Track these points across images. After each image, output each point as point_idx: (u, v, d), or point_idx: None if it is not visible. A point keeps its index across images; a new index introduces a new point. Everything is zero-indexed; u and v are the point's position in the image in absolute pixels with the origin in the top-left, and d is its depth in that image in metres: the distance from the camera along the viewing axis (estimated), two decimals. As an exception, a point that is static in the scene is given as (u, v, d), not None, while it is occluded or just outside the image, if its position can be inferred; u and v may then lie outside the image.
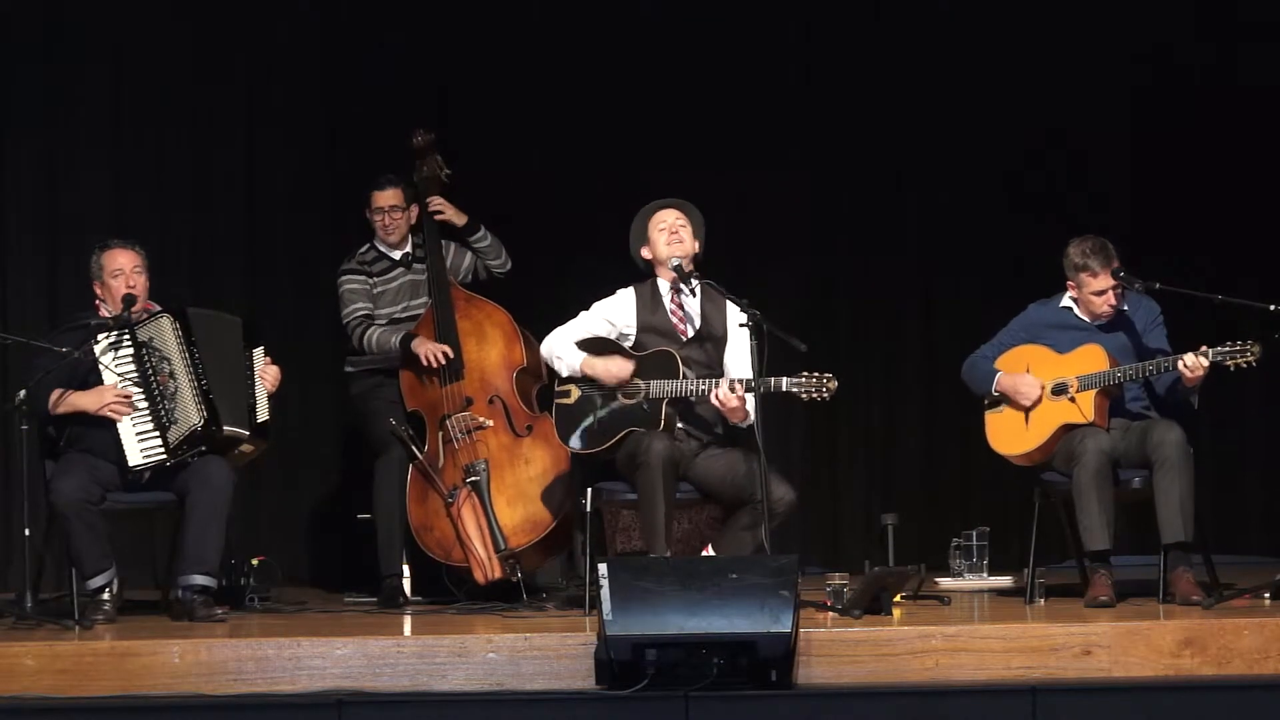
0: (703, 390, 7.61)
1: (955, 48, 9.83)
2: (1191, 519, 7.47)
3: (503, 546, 8.16)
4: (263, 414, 7.89)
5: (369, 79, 9.53)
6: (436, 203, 8.59)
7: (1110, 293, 7.69)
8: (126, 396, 7.65)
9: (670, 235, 7.78)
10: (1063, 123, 9.86)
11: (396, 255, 8.62)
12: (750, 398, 7.51)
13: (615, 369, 7.68)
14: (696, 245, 7.82)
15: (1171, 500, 7.45)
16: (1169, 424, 7.57)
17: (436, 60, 9.60)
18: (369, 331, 8.46)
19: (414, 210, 8.63)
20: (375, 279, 8.56)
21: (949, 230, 9.92)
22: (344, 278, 8.56)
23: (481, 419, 8.31)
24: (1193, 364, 7.43)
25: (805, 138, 9.88)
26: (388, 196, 8.59)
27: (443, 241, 8.62)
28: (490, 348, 8.42)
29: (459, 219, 8.60)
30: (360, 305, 8.51)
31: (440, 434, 8.34)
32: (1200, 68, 9.82)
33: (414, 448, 8.33)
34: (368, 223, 8.66)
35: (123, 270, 7.77)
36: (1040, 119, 9.86)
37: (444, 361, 8.33)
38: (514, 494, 8.24)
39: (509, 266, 8.70)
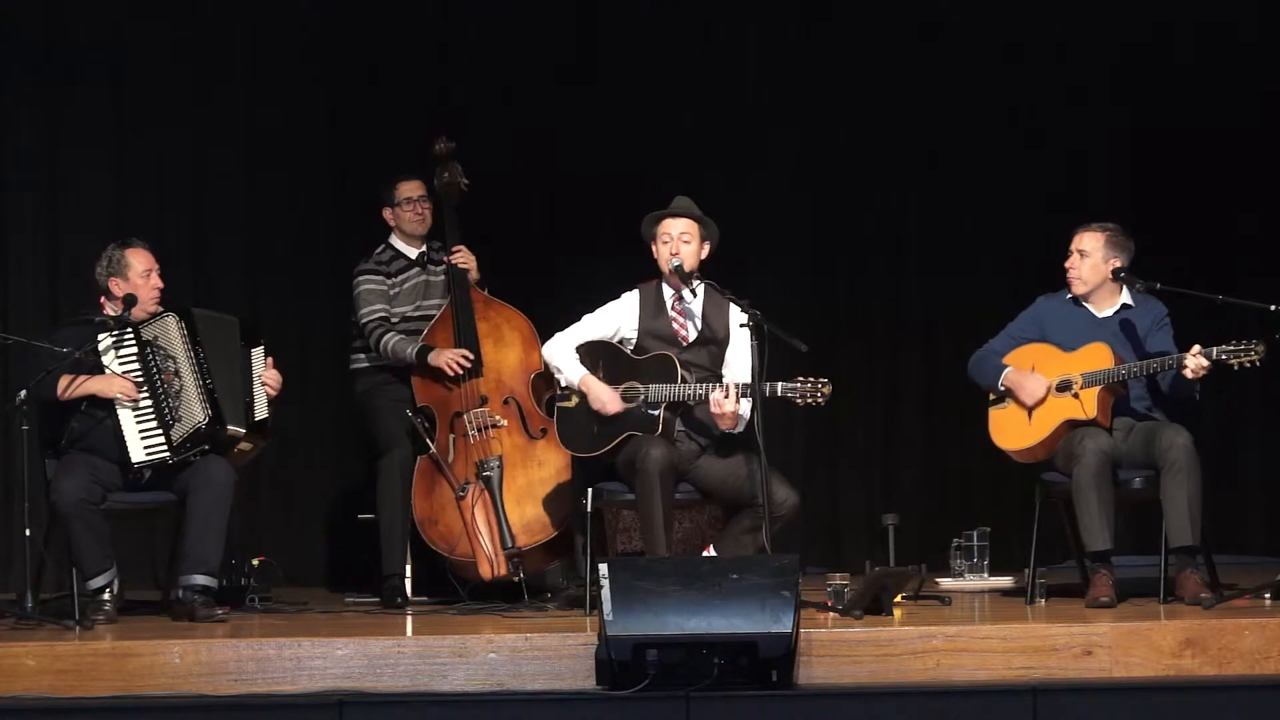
0: (700, 394, 7.60)
1: (955, 47, 9.84)
2: (1199, 523, 7.47)
3: (510, 544, 8.16)
4: (261, 412, 7.89)
5: (371, 79, 9.53)
6: (461, 254, 8.55)
7: (1076, 256, 7.74)
8: (136, 385, 7.65)
9: (670, 245, 7.75)
10: (1063, 122, 9.86)
11: (413, 254, 8.59)
12: (748, 400, 7.51)
13: (608, 400, 7.67)
14: (704, 251, 7.81)
15: (1180, 504, 7.45)
16: (1177, 428, 7.57)
17: (437, 60, 9.60)
18: (386, 337, 8.42)
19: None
20: (392, 279, 8.54)
21: (949, 230, 9.92)
22: (361, 278, 8.52)
23: (497, 417, 8.31)
24: (1194, 366, 7.42)
25: (805, 137, 9.88)
26: (416, 186, 8.57)
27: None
28: (508, 350, 8.41)
29: (475, 274, 8.57)
30: (378, 307, 8.48)
31: (452, 429, 8.33)
32: (1200, 67, 9.82)
33: (427, 439, 8.32)
34: (383, 223, 8.60)
35: (151, 270, 7.78)
36: (1040, 118, 9.87)
37: (467, 366, 8.32)
38: (524, 494, 8.24)
39: None
